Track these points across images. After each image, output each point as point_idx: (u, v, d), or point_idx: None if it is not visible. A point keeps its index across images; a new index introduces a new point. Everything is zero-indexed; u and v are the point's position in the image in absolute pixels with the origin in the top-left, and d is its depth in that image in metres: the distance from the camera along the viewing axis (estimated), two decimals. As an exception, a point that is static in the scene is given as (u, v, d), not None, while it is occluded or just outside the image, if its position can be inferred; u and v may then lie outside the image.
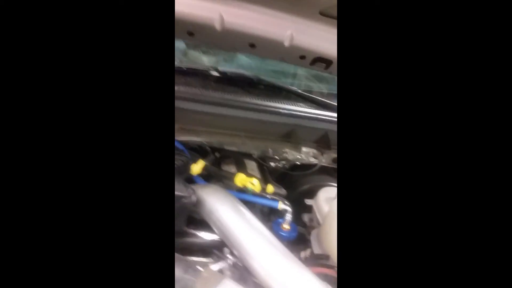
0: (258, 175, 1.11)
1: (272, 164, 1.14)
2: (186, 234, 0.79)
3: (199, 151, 1.09)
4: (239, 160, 1.16)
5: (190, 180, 0.88)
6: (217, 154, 1.14)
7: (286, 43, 0.85)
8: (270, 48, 0.88)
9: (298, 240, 0.88)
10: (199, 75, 1.16)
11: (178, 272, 0.63)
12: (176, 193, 0.68)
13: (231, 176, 0.90)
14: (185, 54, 1.30)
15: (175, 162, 0.81)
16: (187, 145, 1.03)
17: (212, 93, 0.97)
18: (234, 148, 1.04)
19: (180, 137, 0.92)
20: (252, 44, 0.88)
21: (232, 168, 1.12)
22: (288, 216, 0.84)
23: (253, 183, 0.86)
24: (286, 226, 0.83)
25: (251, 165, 1.18)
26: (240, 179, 0.87)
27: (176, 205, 0.68)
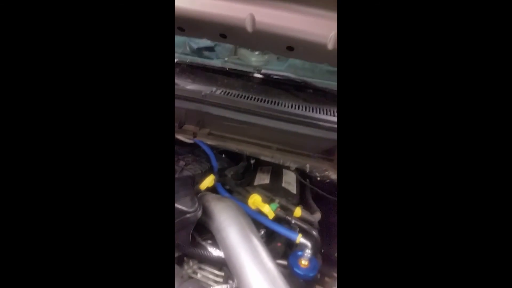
0: (294, 190, 1.01)
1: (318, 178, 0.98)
2: (197, 245, 0.76)
3: (233, 156, 1.06)
4: (276, 170, 1.07)
5: (212, 187, 0.85)
6: (252, 161, 1.08)
7: (330, 46, 0.71)
8: (311, 51, 0.75)
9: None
10: (241, 77, 1.10)
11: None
12: (180, 207, 0.65)
13: (245, 195, 0.83)
14: (234, 53, 1.26)
15: (191, 171, 0.79)
16: (218, 149, 1.01)
17: (243, 100, 0.90)
18: (266, 158, 0.96)
19: (207, 142, 0.89)
20: (290, 47, 0.77)
21: (266, 178, 1.04)
22: (308, 252, 0.72)
23: (266, 210, 0.76)
24: (304, 262, 0.71)
25: (290, 177, 1.08)
26: (254, 201, 0.79)
27: (180, 219, 0.66)
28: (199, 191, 0.79)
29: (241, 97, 0.91)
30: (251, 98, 0.92)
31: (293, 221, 0.80)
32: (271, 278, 0.61)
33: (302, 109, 0.92)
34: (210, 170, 0.88)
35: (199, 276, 0.78)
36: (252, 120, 0.85)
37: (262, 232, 0.80)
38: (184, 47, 1.27)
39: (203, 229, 0.78)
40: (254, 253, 0.64)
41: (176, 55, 1.17)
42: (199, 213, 0.67)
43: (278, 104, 0.92)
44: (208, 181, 0.79)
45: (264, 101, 0.92)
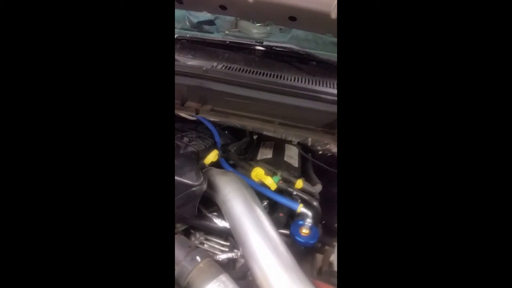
0: (297, 163, 1.03)
1: (320, 152, 1.00)
2: (203, 217, 0.80)
3: (236, 132, 1.07)
4: (279, 144, 1.09)
5: (216, 162, 0.87)
6: (255, 136, 1.10)
7: (333, 15, 0.69)
8: (313, 21, 0.73)
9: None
10: (243, 50, 1.08)
11: (179, 255, 0.65)
12: (185, 181, 0.68)
13: (249, 169, 0.85)
14: (235, 25, 1.22)
15: (195, 147, 0.80)
16: (221, 126, 1.01)
17: (244, 74, 0.89)
18: (268, 133, 0.96)
19: (210, 118, 0.90)
20: (292, 17, 0.75)
21: (268, 152, 1.06)
22: (308, 222, 0.75)
23: (268, 182, 0.78)
24: (305, 231, 0.75)
25: (292, 151, 1.09)
26: (257, 174, 0.81)
27: (186, 193, 0.68)
28: (203, 166, 0.81)
29: (242, 71, 0.90)
30: (253, 72, 0.91)
31: (295, 192, 0.83)
32: (274, 245, 0.64)
33: (304, 82, 0.90)
34: (213, 146, 0.89)
35: (206, 246, 0.82)
36: (254, 95, 0.85)
37: (265, 203, 0.83)
38: (183, 22, 1.24)
39: (209, 202, 0.81)
40: (258, 223, 0.67)
41: (175, 30, 1.15)
42: (204, 186, 0.70)
43: (280, 77, 0.90)
44: (212, 156, 0.81)
45: (266, 75, 0.91)
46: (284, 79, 0.90)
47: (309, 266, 0.75)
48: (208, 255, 0.67)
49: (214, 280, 0.61)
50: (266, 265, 0.62)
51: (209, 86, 0.86)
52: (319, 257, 0.79)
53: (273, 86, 0.84)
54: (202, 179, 0.69)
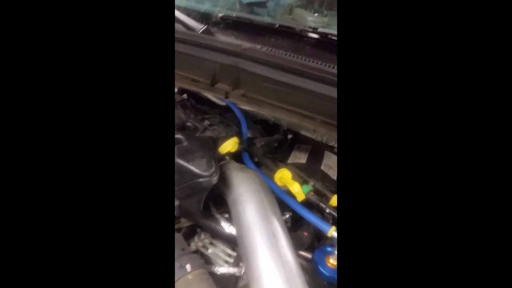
0: (335, 175, 0.85)
1: None
2: (210, 217, 0.67)
3: (270, 128, 0.93)
4: (317, 150, 0.92)
5: (238, 157, 0.74)
6: (289, 135, 0.94)
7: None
8: None
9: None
10: (292, 36, 0.94)
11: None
12: (193, 168, 0.56)
13: (273, 169, 0.69)
14: (289, 11, 1.09)
15: (213, 133, 0.68)
16: (254, 118, 0.88)
17: (288, 57, 0.75)
18: (306, 133, 0.80)
19: (240, 105, 0.77)
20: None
21: (303, 157, 0.89)
22: (339, 250, 0.57)
23: (295, 190, 0.62)
24: (333, 262, 0.57)
25: (332, 161, 0.92)
26: (281, 177, 0.65)
27: (190, 183, 0.56)
28: (221, 157, 0.68)
29: (287, 56, 0.76)
30: (299, 57, 0.76)
31: (327, 210, 0.65)
32: (287, 272, 0.48)
33: None
34: (237, 136, 0.76)
35: (209, 251, 0.69)
36: (296, 82, 0.69)
37: (287, 216, 0.67)
38: (232, 3, 1.15)
39: (222, 201, 0.68)
40: (272, 239, 0.52)
41: (222, 10, 1.06)
42: (215, 179, 0.56)
43: (333, 67, 0.74)
44: (230, 144, 0.67)
45: (315, 62, 0.75)
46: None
47: None
48: (203, 266, 0.54)
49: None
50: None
51: (244, 67, 0.74)
52: None
53: (321, 74, 0.68)
54: (213, 169, 0.56)
